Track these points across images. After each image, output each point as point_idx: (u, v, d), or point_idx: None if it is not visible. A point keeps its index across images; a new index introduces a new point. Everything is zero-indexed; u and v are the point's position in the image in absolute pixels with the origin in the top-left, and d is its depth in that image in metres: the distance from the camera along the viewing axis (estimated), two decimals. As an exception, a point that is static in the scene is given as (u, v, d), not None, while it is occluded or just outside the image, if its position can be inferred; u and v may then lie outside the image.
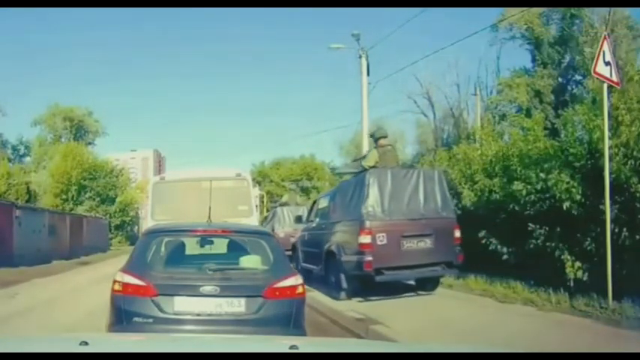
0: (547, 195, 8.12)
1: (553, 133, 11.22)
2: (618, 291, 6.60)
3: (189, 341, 3.01)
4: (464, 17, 43.83)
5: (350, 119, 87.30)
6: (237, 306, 4.46)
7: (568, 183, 7.65)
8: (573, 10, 26.00)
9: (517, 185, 8.44)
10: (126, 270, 4.68)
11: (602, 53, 6.95)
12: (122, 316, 4.45)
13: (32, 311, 8.61)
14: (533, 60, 29.05)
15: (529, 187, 8.32)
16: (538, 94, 27.48)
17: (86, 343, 2.07)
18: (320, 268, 9.71)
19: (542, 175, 8.07)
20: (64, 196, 37.02)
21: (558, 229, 8.05)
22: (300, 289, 4.74)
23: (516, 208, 8.70)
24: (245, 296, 4.50)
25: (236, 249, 5.34)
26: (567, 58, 27.97)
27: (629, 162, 7.15)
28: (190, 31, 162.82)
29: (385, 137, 9.72)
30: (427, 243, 8.28)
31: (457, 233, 8.53)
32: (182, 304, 4.43)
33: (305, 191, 45.66)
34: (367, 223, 8.08)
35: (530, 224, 8.35)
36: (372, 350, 2.52)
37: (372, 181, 8.31)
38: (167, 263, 5.07)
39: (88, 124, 48.39)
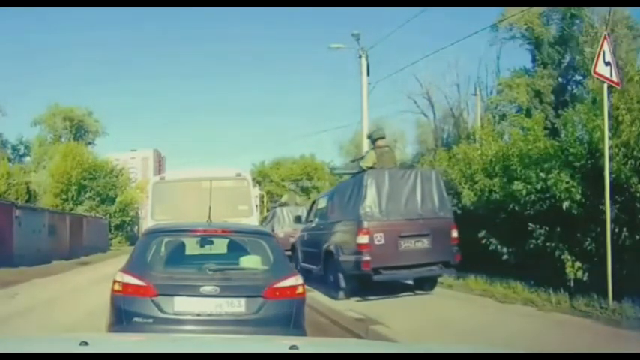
0: (547, 195, 8.12)
1: (553, 133, 11.22)
2: (618, 291, 6.60)
3: (189, 341, 3.01)
4: (464, 17, 43.92)
5: (350, 119, 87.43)
6: (237, 306, 4.46)
7: (568, 183, 7.66)
8: (573, 10, 26.01)
9: (517, 185, 8.45)
10: (126, 270, 4.68)
11: (602, 53, 6.95)
12: (122, 316, 4.45)
13: (32, 311, 8.61)
14: (533, 60, 29.07)
15: (529, 187, 8.33)
16: (538, 94, 27.49)
17: (86, 343, 2.07)
18: (319, 268, 9.78)
19: (542, 175, 8.07)
20: (64, 196, 37.01)
21: (558, 229, 8.06)
22: (300, 289, 4.74)
23: (516, 208, 8.70)
24: (245, 296, 4.50)
25: (236, 249, 5.34)
26: (567, 58, 27.98)
27: (629, 162, 7.15)
28: (190, 31, 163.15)
29: (383, 138, 9.82)
30: (424, 243, 8.35)
31: (454, 233, 8.59)
32: (182, 304, 4.43)
33: (305, 191, 45.65)
34: (365, 224, 8.16)
35: (530, 224, 8.35)
36: (372, 350, 2.52)
37: (370, 181, 8.39)
38: (167, 263, 5.07)
39: (88, 124, 48.39)
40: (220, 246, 5.65)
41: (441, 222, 8.56)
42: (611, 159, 6.94)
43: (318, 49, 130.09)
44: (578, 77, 27.76)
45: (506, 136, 13.46)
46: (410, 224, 8.34)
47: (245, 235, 5.45)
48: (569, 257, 7.86)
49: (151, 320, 4.35)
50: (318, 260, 9.75)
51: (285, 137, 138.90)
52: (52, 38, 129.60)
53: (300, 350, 2.11)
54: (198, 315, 4.42)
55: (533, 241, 8.36)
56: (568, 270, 7.81)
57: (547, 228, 8.20)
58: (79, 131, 47.59)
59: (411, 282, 9.38)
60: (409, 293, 8.98)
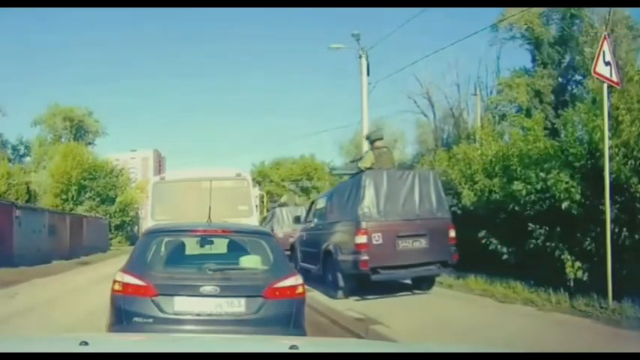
0: (547, 195, 8.13)
1: (553, 133, 11.21)
2: (618, 291, 6.60)
3: (189, 341, 3.01)
4: (464, 17, 43.89)
5: (350, 119, 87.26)
6: (237, 306, 4.46)
7: (567, 183, 7.66)
8: (573, 10, 26.00)
9: (517, 185, 8.45)
10: (126, 270, 4.68)
11: (602, 53, 6.95)
12: (122, 316, 4.45)
13: (32, 311, 8.61)
14: (533, 60, 29.06)
15: (529, 187, 8.33)
16: (538, 94, 27.48)
17: (86, 343, 2.07)
18: (318, 268, 9.85)
19: (542, 175, 8.08)
20: (64, 196, 37.01)
21: (558, 229, 8.06)
22: (300, 289, 4.74)
23: (516, 208, 8.71)
24: (245, 296, 4.50)
25: (236, 249, 5.34)
26: (567, 58, 27.97)
27: (629, 162, 7.15)
28: (190, 31, 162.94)
29: (381, 139, 9.96)
30: (422, 243, 8.43)
31: (452, 233, 8.67)
32: (182, 304, 4.43)
33: (305, 191, 45.65)
34: (363, 224, 8.24)
35: (530, 224, 8.36)
36: (372, 350, 2.52)
37: (368, 182, 8.47)
38: (167, 263, 5.07)
39: (88, 124, 48.38)
40: (220, 246, 5.65)
41: (439, 222, 8.64)
42: (611, 159, 6.94)
43: (318, 49, 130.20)
44: (578, 77, 27.76)
45: (506, 136, 13.46)
46: (408, 224, 8.42)
47: (245, 235, 5.45)
48: (569, 257, 7.86)
49: (151, 320, 4.35)
50: (317, 260, 9.82)
51: (285, 137, 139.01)
52: (52, 38, 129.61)
53: (300, 350, 2.11)
54: (198, 315, 4.42)
55: (533, 241, 8.36)
56: (568, 270, 7.81)
57: (547, 228, 8.20)
58: (79, 131, 47.59)
59: (409, 281, 9.43)
60: (407, 293, 9.02)
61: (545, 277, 8.04)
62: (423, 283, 9.09)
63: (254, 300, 4.50)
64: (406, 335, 5.84)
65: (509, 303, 7.71)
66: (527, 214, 8.53)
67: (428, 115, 33.57)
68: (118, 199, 39.63)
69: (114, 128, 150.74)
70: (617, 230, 7.19)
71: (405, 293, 8.99)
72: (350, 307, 7.84)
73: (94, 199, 37.98)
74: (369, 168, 9.15)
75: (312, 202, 12.26)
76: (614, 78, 7.03)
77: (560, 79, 28.29)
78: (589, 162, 7.74)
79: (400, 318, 6.85)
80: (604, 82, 6.98)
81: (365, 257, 8.07)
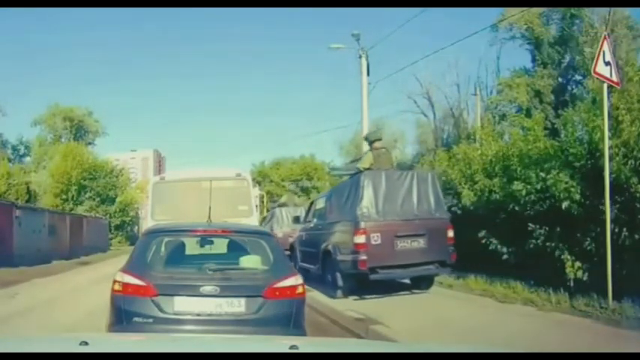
0: (547, 195, 8.13)
1: (553, 133, 11.22)
2: (618, 291, 6.60)
3: (189, 341, 3.01)
4: (464, 17, 43.88)
5: (350, 119, 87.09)
6: (237, 306, 4.46)
7: (567, 183, 7.67)
8: (573, 10, 26.00)
9: (517, 185, 8.46)
10: (126, 270, 4.68)
11: (602, 53, 6.95)
12: (122, 316, 4.45)
13: (32, 311, 8.61)
14: (533, 60, 29.05)
15: (529, 187, 8.34)
16: (538, 94, 27.48)
17: (86, 343, 2.07)
18: (317, 268, 9.91)
19: (542, 174, 8.08)
20: (64, 196, 37.01)
21: (558, 229, 8.06)
22: (300, 289, 4.74)
23: (516, 208, 8.71)
24: (245, 296, 4.50)
25: (236, 249, 5.34)
26: (567, 58, 27.97)
27: (629, 162, 7.15)
28: (190, 31, 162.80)
29: (379, 140, 10.04)
30: (420, 243, 8.48)
31: (450, 233, 8.72)
32: (182, 304, 4.43)
33: (305, 191, 45.67)
34: (362, 224, 8.29)
35: (530, 224, 8.36)
36: (372, 350, 2.52)
37: (367, 182, 8.53)
38: (167, 263, 5.06)
39: (88, 124, 48.38)
40: (220, 246, 5.65)
41: (437, 222, 8.69)
42: (611, 159, 6.94)
43: (318, 49, 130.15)
44: (578, 77, 27.75)
45: (506, 136, 13.47)
46: (406, 224, 8.48)
47: (245, 235, 5.45)
48: (569, 257, 7.86)
49: (151, 320, 4.34)
50: (316, 260, 9.87)
51: (285, 137, 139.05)
52: (52, 38, 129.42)
53: (300, 350, 2.11)
54: (198, 315, 4.42)
55: (533, 241, 8.36)
56: (568, 270, 7.81)
57: (547, 228, 8.21)
58: (79, 131, 47.58)
59: (407, 281, 9.49)
60: (406, 292, 9.07)
61: (545, 277, 8.04)
62: (421, 283, 9.15)
63: (254, 300, 4.49)
64: (406, 335, 5.84)
65: (509, 303, 7.71)
66: (527, 214, 8.53)
67: (428, 115, 33.61)
68: (118, 199, 39.64)
69: (114, 128, 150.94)
70: (617, 230, 7.19)
71: (404, 293, 9.03)
72: (350, 307, 7.85)
73: (94, 199, 37.98)
74: (368, 168, 9.21)
75: (312, 203, 12.33)
76: (614, 78, 7.03)
77: (560, 79, 28.29)
78: (589, 162, 7.74)
79: (400, 318, 6.85)
80: (604, 82, 6.98)
81: (363, 257, 8.13)
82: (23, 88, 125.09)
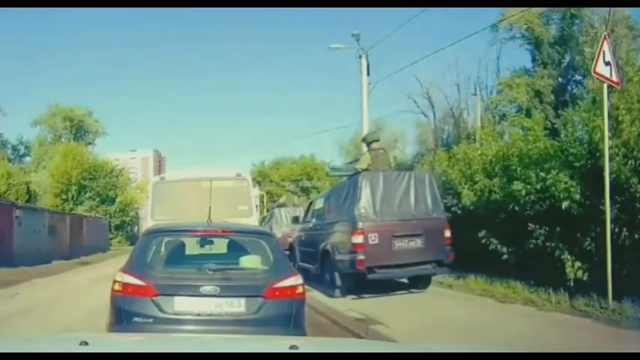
0: (547, 195, 8.13)
1: (553, 133, 11.21)
2: (618, 291, 6.60)
3: (189, 341, 3.01)
4: (464, 17, 43.86)
5: (350, 119, 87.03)
6: (237, 306, 4.46)
7: (567, 183, 7.67)
8: (573, 10, 26.00)
9: (517, 185, 8.46)
10: (126, 270, 4.68)
11: (602, 53, 6.95)
12: (122, 316, 4.45)
13: (32, 311, 8.62)
14: (533, 60, 29.06)
15: (529, 187, 8.34)
16: (538, 94, 27.48)
17: (86, 343, 2.07)
18: (316, 267, 9.97)
19: (542, 174, 8.09)
20: (64, 196, 37.01)
21: (558, 229, 8.06)
22: (300, 289, 4.74)
23: (516, 208, 8.71)
24: (245, 296, 4.50)
25: (236, 249, 5.34)
26: (567, 58, 27.97)
27: (629, 162, 7.15)
28: (190, 31, 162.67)
29: (377, 141, 10.13)
30: (418, 242, 8.54)
31: (447, 233, 8.77)
32: (182, 304, 4.43)
33: (305, 191, 45.69)
34: (359, 224, 8.35)
35: (530, 224, 8.37)
36: (372, 350, 2.52)
37: (365, 183, 8.59)
38: (167, 263, 5.06)
39: (88, 124, 48.39)
40: (220, 246, 5.65)
41: (434, 222, 8.75)
42: (611, 159, 6.94)
43: (318, 49, 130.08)
44: (578, 77, 27.75)
45: (506, 136, 13.46)
46: (403, 224, 8.53)
47: (245, 235, 5.45)
48: (569, 257, 7.86)
49: (151, 320, 4.34)
50: (315, 260, 9.93)
51: (285, 137, 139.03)
52: (52, 38, 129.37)
53: (300, 350, 2.11)
54: (198, 315, 4.42)
55: (533, 241, 8.37)
56: (568, 270, 7.81)
57: (547, 228, 8.21)
58: (79, 131, 47.60)
59: (405, 280, 9.53)
60: (404, 292, 9.12)
61: (545, 277, 8.04)
62: (419, 282, 9.21)
63: (254, 300, 4.50)
64: (406, 335, 5.84)
65: (509, 303, 7.71)
66: (527, 214, 8.54)
67: (428, 115, 33.62)
68: (118, 199, 39.64)
69: (114, 128, 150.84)
70: (617, 230, 7.19)
71: (402, 292, 9.08)
72: (350, 306, 7.86)
73: (94, 199, 37.99)
74: (366, 169, 9.28)
75: (311, 203, 12.40)
76: (614, 78, 7.03)
77: (560, 79, 28.29)
78: (589, 162, 7.74)
79: (400, 318, 6.85)
80: (604, 82, 6.98)
81: (361, 257, 8.19)
82: (23, 88, 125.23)
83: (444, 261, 8.69)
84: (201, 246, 5.53)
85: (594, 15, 25.65)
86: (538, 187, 8.22)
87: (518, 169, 8.79)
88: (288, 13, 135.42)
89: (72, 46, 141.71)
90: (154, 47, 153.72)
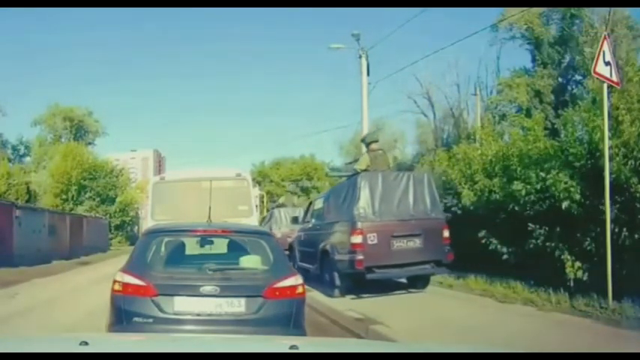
0: (547, 195, 8.13)
1: (553, 133, 11.22)
2: (618, 291, 6.60)
3: (189, 341, 3.01)
4: (464, 17, 43.83)
5: (350, 119, 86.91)
6: (237, 306, 4.46)
7: (567, 183, 7.67)
8: (573, 10, 26.00)
9: (517, 185, 8.47)
10: (126, 270, 4.68)
11: (602, 53, 6.95)
12: (122, 316, 4.45)
13: (32, 311, 8.62)
14: (533, 60, 29.05)
15: (529, 187, 8.34)
16: (538, 94, 27.48)
17: (86, 343, 2.07)
18: (315, 267, 10.00)
19: (542, 174, 8.09)
20: (64, 196, 37.02)
21: (558, 229, 8.06)
22: (300, 289, 4.74)
23: (516, 208, 8.72)
24: (245, 296, 4.50)
25: (236, 249, 5.34)
26: (567, 58, 27.97)
27: (629, 162, 7.15)
28: (190, 31, 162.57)
29: (376, 142, 10.18)
30: (416, 242, 8.57)
31: (446, 233, 8.80)
32: (182, 304, 4.43)
33: (305, 191, 45.70)
34: (358, 224, 8.38)
35: (530, 224, 8.37)
36: (372, 350, 2.52)
37: (364, 183, 8.62)
38: (167, 263, 5.06)
39: (88, 124, 48.41)
40: (220, 246, 5.65)
41: (433, 222, 8.77)
42: (611, 159, 6.94)
43: (318, 49, 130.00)
44: (578, 77, 27.74)
45: (506, 136, 13.46)
46: (402, 225, 8.56)
47: (245, 235, 5.46)
48: (569, 257, 7.86)
49: (151, 320, 4.34)
50: (314, 260, 9.96)
51: (285, 137, 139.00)
52: (52, 38, 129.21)
53: (300, 350, 2.11)
54: (198, 315, 4.42)
55: (533, 241, 8.37)
56: (568, 270, 7.81)
57: (547, 228, 8.21)
58: (79, 131, 47.61)
59: (404, 280, 9.55)
60: (403, 292, 9.14)
61: (545, 277, 8.04)
62: (418, 282, 9.24)
63: (254, 300, 4.50)
64: (406, 335, 5.84)
65: (509, 303, 7.71)
66: (527, 214, 8.54)
67: (428, 115, 33.61)
68: (118, 199, 39.65)
69: (114, 128, 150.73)
70: (617, 230, 7.19)
71: (401, 292, 9.10)
72: (349, 306, 7.87)
73: (94, 199, 37.99)
74: (365, 170, 9.31)
75: (310, 203, 12.45)
76: (614, 78, 7.03)
77: (560, 79, 28.29)
78: (589, 162, 7.74)
79: (400, 318, 6.85)
80: (604, 82, 6.98)
81: (360, 257, 8.22)
82: (23, 88, 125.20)
83: (442, 261, 8.73)
84: (201, 246, 5.53)
85: (594, 15, 25.66)
86: (538, 187, 8.22)
87: (518, 169, 8.80)
88: (288, 13, 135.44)
89: (72, 46, 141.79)
90: (154, 47, 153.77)
